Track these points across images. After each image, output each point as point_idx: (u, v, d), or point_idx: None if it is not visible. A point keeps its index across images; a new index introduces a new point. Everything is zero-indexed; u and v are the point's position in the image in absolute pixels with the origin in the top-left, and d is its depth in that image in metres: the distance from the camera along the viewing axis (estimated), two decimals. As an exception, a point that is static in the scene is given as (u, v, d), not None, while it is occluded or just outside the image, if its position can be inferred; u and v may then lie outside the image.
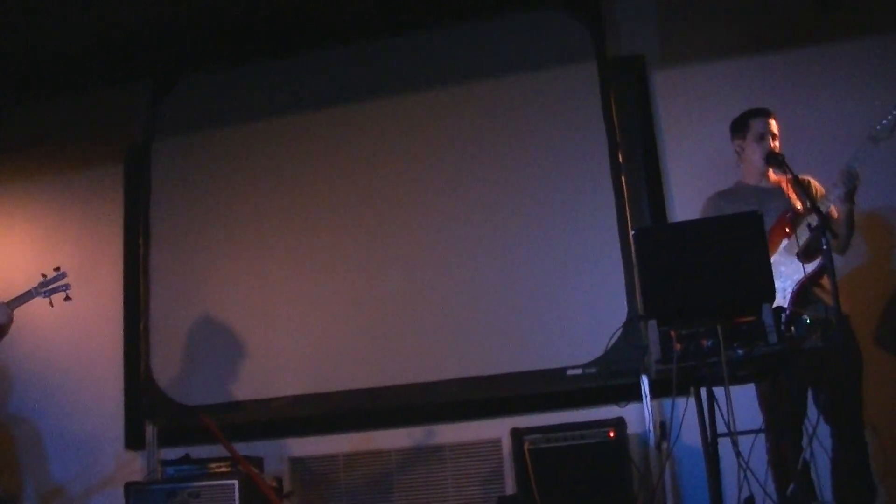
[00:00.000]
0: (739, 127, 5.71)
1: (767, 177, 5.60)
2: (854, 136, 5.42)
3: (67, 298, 6.22)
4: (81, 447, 7.46)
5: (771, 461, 5.15)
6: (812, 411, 5.04)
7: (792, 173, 5.20)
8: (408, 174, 7.28)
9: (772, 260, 4.90)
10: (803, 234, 5.16)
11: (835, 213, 5.25)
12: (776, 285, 4.61)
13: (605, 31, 7.14)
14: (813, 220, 5.01)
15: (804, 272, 5.15)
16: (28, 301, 6.17)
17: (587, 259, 6.72)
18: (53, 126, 8.23)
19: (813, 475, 4.94)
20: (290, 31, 7.71)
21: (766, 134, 5.55)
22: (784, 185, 5.49)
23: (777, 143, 5.56)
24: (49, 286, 6.23)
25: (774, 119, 5.62)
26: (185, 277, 7.54)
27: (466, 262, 6.98)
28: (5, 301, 6.16)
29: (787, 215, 5.29)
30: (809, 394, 5.21)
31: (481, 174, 7.11)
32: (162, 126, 7.89)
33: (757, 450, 4.75)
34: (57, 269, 6.28)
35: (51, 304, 6.23)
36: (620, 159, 6.82)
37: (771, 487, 4.95)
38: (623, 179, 6.77)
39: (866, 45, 6.77)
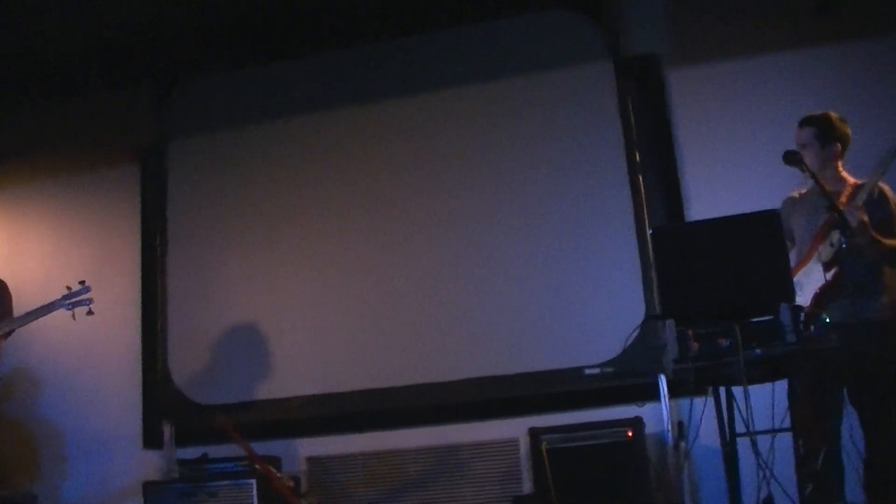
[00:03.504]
0: None
1: (840, 181, 5.46)
2: (870, 135, 5.40)
3: (90, 313, 6.23)
4: (100, 447, 7.48)
5: (796, 461, 5.13)
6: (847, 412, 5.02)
7: (811, 174, 5.16)
8: (423, 174, 7.28)
9: (806, 268, 4.93)
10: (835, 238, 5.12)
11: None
12: (809, 290, 4.59)
13: (620, 30, 7.12)
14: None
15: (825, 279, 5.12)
16: (50, 312, 6.18)
17: (604, 258, 6.71)
18: (69, 127, 8.23)
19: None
20: (305, 32, 7.72)
21: (798, 142, 5.48)
22: (848, 190, 5.38)
23: (811, 151, 5.44)
24: (73, 299, 6.23)
25: (812, 127, 5.50)
26: (201, 278, 7.55)
27: (483, 261, 6.98)
28: (24, 313, 6.17)
29: (826, 223, 5.23)
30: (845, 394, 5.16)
31: (497, 174, 7.11)
32: (178, 126, 7.91)
33: (775, 449, 4.74)
34: (82, 282, 6.28)
35: (73, 317, 6.24)
36: (637, 158, 6.80)
37: (790, 487, 4.92)
38: (640, 178, 6.76)
39: (874, 46, 6.74)
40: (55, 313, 6.21)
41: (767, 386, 5.13)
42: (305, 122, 7.64)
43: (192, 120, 7.91)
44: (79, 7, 7.24)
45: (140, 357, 7.58)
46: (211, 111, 7.90)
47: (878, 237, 5.05)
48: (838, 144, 5.43)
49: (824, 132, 5.44)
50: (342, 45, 7.68)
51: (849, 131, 5.47)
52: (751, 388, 4.51)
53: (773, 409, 4.99)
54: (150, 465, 7.29)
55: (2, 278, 6.49)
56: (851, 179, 5.41)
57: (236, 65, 7.90)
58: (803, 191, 5.59)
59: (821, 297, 5.09)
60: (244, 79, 7.88)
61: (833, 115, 5.51)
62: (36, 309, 6.15)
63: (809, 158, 5.31)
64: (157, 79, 8.03)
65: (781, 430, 4.89)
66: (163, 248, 7.66)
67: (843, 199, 5.24)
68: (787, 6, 6.94)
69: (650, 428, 6.23)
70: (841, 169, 5.44)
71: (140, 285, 7.71)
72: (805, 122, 5.51)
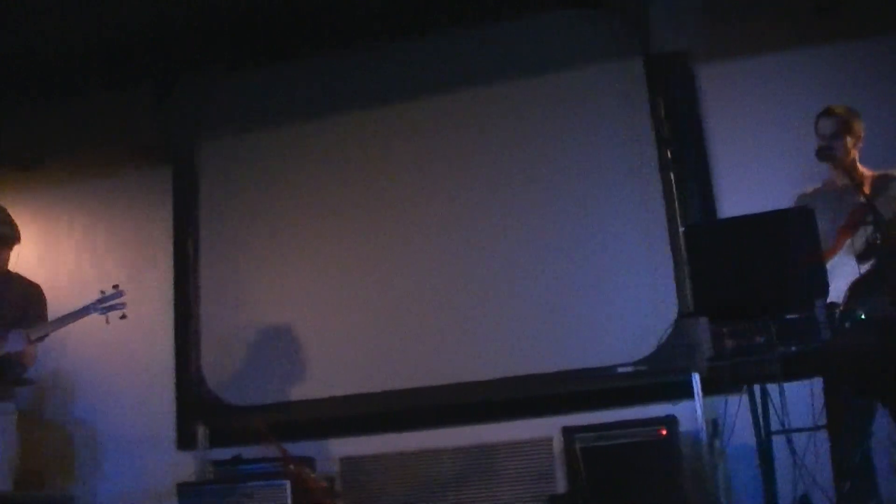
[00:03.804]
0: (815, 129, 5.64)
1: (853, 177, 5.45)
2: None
3: (123, 317, 6.20)
4: (135, 448, 7.51)
5: (832, 458, 5.09)
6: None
7: (845, 169, 5.13)
8: (454, 173, 7.29)
9: (835, 259, 4.87)
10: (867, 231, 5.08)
11: None
12: (835, 284, 4.55)
13: (648, 27, 7.10)
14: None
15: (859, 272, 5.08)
16: (83, 317, 6.17)
17: (637, 256, 6.70)
18: (100, 131, 8.26)
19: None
20: (331, 30, 7.73)
21: (824, 133, 5.46)
22: (867, 182, 5.37)
23: (843, 142, 5.43)
24: (106, 303, 6.22)
25: (839, 116, 5.49)
26: (234, 278, 7.59)
27: (516, 260, 6.98)
28: (58, 317, 6.18)
29: (855, 213, 5.20)
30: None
31: (528, 172, 7.11)
32: (209, 128, 7.95)
33: (812, 447, 4.71)
34: (115, 286, 6.28)
35: (107, 321, 6.21)
36: (668, 155, 6.78)
37: (826, 485, 4.89)
38: (671, 175, 6.74)
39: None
40: (89, 317, 6.22)
41: (803, 383, 5.10)
42: (335, 123, 7.65)
43: (224, 122, 7.93)
44: (87, 5, 7.28)
45: (174, 359, 7.61)
46: (241, 113, 7.92)
47: None
48: (860, 135, 5.43)
49: (847, 124, 5.43)
50: (369, 45, 7.69)
51: (862, 124, 5.48)
52: (786, 385, 4.49)
53: (811, 406, 4.98)
54: (185, 466, 7.31)
55: (36, 282, 6.51)
56: (867, 171, 5.40)
57: (268, 65, 7.91)
58: (818, 186, 5.57)
59: (855, 292, 5.05)
60: (274, 80, 7.89)
61: (849, 107, 5.50)
62: (70, 313, 6.15)
63: (837, 151, 5.31)
64: (194, 79, 8.06)
65: (816, 427, 4.86)
66: (195, 250, 7.70)
67: (865, 190, 5.22)
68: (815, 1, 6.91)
69: (684, 426, 6.19)
70: (857, 160, 5.42)
71: (173, 288, 7.75)
72: (829, 113, 5.49)
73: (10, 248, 6.39)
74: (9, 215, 6.43)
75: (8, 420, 6.12)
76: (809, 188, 5.59)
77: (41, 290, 6.46)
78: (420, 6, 7.57)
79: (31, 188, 8.28)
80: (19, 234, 6.43)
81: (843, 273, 4.97)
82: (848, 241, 5.15)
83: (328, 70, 7.77)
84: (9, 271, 6.41)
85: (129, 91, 8.21)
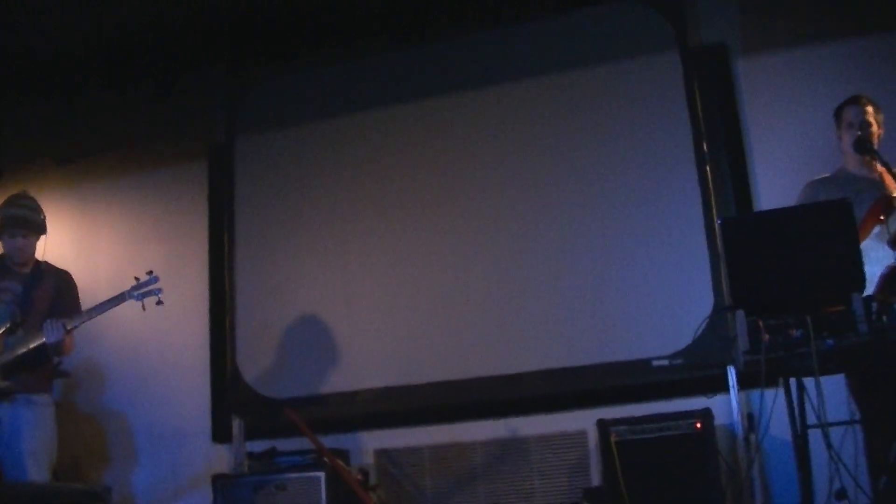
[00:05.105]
0: (836, 116, 5.64)
1: (869, 165, 5.46)
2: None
3: (159, 303, 6.21)
4: (170, 440, 7.57)
5: (866, 453, 5.05)
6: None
7: (881, 160, 5.10)
8: (490, 167, 7.28)
9: (863, 245, 4.81)
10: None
11: None
12: (865, 270, 4.51)
13: (687, 20, 7.07)
14: None
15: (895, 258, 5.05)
16: (119, 304, 6.18)
17: (672, 249, 6.67)
18: (138, 126, 8.31)
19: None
20: (370, 29, 7.75)
21: (854, 122, 5.46)
22: (884, 172, 5.36)
23: (872, 130, 5.44)
24: (141, 290, 6.23)
25: (870, 106, 5.50)
26: (269, 272, 7.61)
27: (551, 253, 6.97)
28: (94, 305, 6.20)
29: (881, 201, 5.18)
30: None
31: (565, 166, 7.09)
32: (245, 123, 7.98)
33: (848, 441, 4.68)
34: (150, 272, 6.29)
35: (143, 308, 6.23)
36: (705, 148, 6.76)
37: (863, 480, 4.86)
38: (708, 169, 6.71)
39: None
40: (126, 308, 6.24)
41: (839, 377, 5.07)
42: (372, 119, 7.66)
43: (260, 117, 7.97)
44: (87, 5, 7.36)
45: (209, 352, 7.65)
46: (277, 108, 7.96)
47: None
48: (882, 128, 5.45)
49: (875, 114, 5.45)
50: (407, 42, 7.71)
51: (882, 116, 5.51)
52: (822, 379, 4.45)
53: (848, 400, 4.95)
54: (220, 458, 7.36)
55: (65, 269, 6.51)
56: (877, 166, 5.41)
57: (302, 61, 7.94)
58: (826, 175, 5.56)
59: (888, 282, 5.01)
60: (311, 76, 7.92)
61: (871, 98, 5.53)
62: (105, 301, 6.17)
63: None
64: (231, 74, 8.10)
65: (853, 421, 4.83)
66: (230, 244, 7.73)
67: (888, 181, 5.22)
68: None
69: (720, 420, 6.17)
70: None
71: (208, 281, 7.78)
72: (859, 102, 5.49)
73: (38, 237, 6.39)
74: (38, 204, 6.43)
75: (46, 412, 6.16)
76: (817, 177, 5.58)
77: (71, 276, 6.48)
78: (457, 3, 7.57)
79: (69, 182, 8.35)
80: (46, 225, 6.42)
81: (869, 260, 4.92)
82: (875, 230, 5.12)
83: (365, 66, 7.78)
84: (37, 261, 6.42)
85: (168, 86, 8.27)
